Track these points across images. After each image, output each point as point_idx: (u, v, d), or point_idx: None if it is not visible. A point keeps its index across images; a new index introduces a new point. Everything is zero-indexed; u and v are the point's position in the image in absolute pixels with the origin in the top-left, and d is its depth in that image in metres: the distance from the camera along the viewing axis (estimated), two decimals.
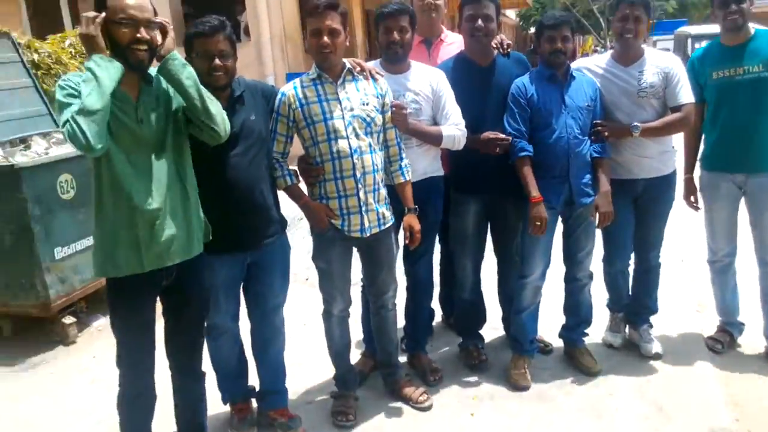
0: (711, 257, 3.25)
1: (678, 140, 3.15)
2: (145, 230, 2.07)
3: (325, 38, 2.46)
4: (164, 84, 2.14)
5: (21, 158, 3.64)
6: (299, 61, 8.37)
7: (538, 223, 2.84)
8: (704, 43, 3.15)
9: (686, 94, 2.94)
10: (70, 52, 5.15)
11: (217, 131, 2.16)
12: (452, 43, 3.28)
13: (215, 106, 2.15)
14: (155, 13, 2.07)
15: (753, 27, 2.98)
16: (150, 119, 2.08)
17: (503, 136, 2.85)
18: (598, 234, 3.10)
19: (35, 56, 4.67)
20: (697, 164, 3.24)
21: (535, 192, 2.83)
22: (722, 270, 3.21)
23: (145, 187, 2.06)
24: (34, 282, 3.43)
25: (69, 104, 1.88)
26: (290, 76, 7.68)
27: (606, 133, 2.92)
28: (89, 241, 3.69)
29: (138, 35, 1.97)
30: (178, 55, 2.08)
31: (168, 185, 2.12)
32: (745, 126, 2.94)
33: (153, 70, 2.13)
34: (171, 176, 2.13)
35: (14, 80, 4.30)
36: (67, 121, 1.85)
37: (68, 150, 3.84)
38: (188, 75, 2.07)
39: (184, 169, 2.21)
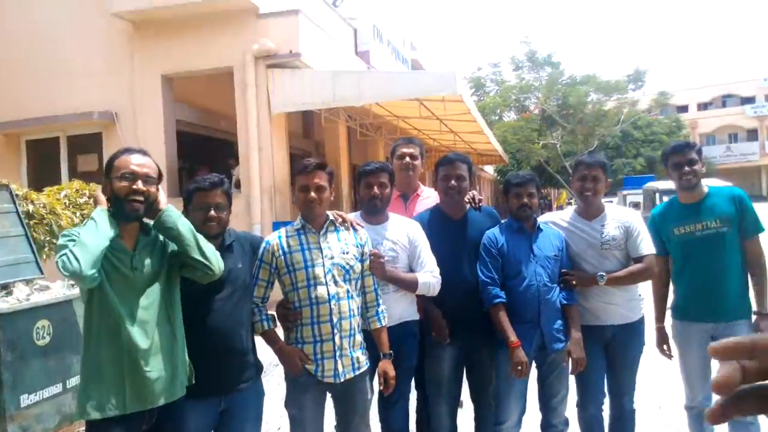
0: (688, 403, 3.24)
1: (644, 288, 3.28)
2: (130, 370, 2.09)
3: (312, 193, 2.67)
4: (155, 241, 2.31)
5: (1, 304, 3.65)
6: (286, 210, 8.72)
7: (519, 367, 2.87)
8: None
9: (647, 246, 3.12)
10: (65, 203, 5.38)
11: (212, 268, 2.29)
12: (428, 197, 3.53)
13: (209, 247, 2.30)
14: (160, 175, 2.27)
15: (706, 185, 3.23)
16: (144, 267, 2.21)
17: (446, 334, 2.98)
18: (572, 379, 3.11)
19: (30, 207, 4.86)
20: (668, 313, 3.34)
21: (513, 337, 2.89)
22: (699, 416, 3.18)
23: (134, 328, 2.12)
24: None
25: (67, 244, 2.03)
26: (276, 225, 7.98)
27: (574, 282, 3.06)
28: (57, 388, 3.62)
29: (134, 187, 2.14)
30: (172, 208, 2.26)
31: (157, 326, 2.19)
32: (711, 278, 3.08)
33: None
34: (160, 318, 2.22)
35: (7, 229, 4.43)
36: (63, 252, 1.99)
37: (49, 296, 3.88)
38: (183, 223, 2.25)
39: (173, 311, 2.29)
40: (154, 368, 2.15)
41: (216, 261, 2.31)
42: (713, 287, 3.08)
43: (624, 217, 3.19)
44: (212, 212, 2.51)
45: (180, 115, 9.53)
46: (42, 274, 4.52)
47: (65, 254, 1.98)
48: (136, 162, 2.19)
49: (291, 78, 8.32)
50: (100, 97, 8.84)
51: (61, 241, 2.09)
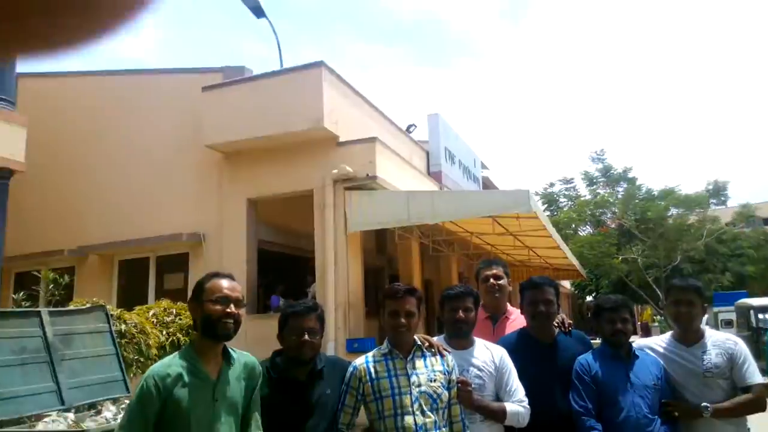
0: None
1: (755, 420, 2.97)
2: None
3: (402, 319, 2.66)
4: (241, 366, 2.32)
5: (90, 423, 3.74)
6: (360, 327, 8.70)
7: None
8: None
9: (754, 374, 2.87)
10: (152, 321, 5.61)
11: None
12: (515, 319, 3.44)
13: None
14: (244, 300, 2.35)
15: None
16: (225, 398, 2.22)
17: None
18: None
19: (123, 326, 5.10)
20: None
21: None
22: None
23: None
24: None
25: None
26: (350, 342, 7.95)
27: (676, 413, 2.81)
28: None
29: (228, 311, 2.22)
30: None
31: None
32: None
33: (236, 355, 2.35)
34: None
35: (100, 348, 4.64)
36: None
37: None
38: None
39: None
40: None
41: None
42: None
43: (727, 343, 2.97)
44: (306, 336, 2.54)
45: (261, 235, 10.00)
46: (129, 392, 4.64)
47: None
48: (227, 286, 2.28)
49: (368, 198, 8.65)
50: (190, 220, 9.48)
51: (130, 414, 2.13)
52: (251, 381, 2.33)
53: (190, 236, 9.32)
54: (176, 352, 2.29)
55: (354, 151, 8.91)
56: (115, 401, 4.38)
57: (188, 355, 2.23)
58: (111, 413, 4.04)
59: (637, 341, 3.12)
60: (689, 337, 3.00)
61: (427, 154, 13.54)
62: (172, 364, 2.19)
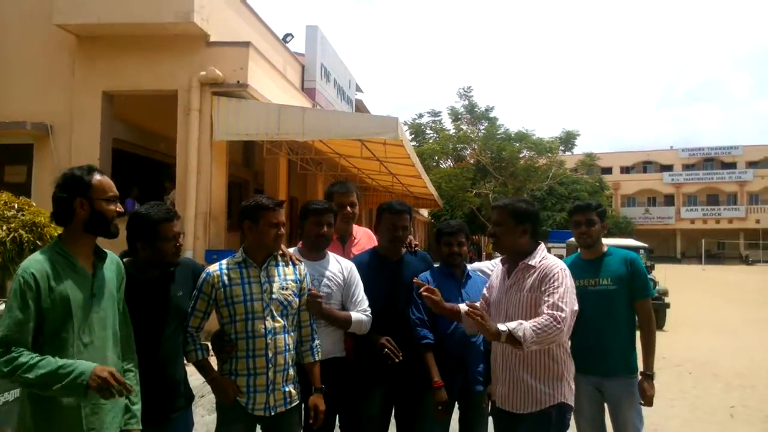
0: None
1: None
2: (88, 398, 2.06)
3: (282, 230, 2.78)
4: (111, 262, 2.30)
5: None
6: (220, 238, 8.63)
7: (440, 408, 3.01)
8: None
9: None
10: None
11: None
12: (359, 240, 3.69)
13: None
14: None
15: (607, 245, 3.48)
16: (103, 293, 2.20)
17: (397, 351, 3.08)
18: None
19: None
20: None
21: (436, 377, 3.03)
22: None
23: (90, 355, 2.10)
24: None
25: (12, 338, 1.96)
26: (209, 253, 7.90)
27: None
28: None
29: (119, 210, 2.25)
30: None
31: (112, 354, 2.20)
32: (597, 333, 3.23)
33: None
34: (114, 344, 2.22)
35: None
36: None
37: None
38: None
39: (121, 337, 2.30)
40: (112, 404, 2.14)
41: None
42: (599, 342, 3.24)
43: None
44: (179, 241, 2.64)
45: (117, 133, 9.35)
46: None
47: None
48: (112, 185, 2.26)
49: (237, 107, 8.38)
50: (36, 108, 8.58)
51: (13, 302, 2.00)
52: (120, 275, 2.33)
53: (36, 126, 8.47)
54: (45, 247, 2.19)
55: (225, 54, 8.50)
56: None
57: (62, 251, 2.15)
58: None
59: (471, 265, 3.50)
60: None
61: (303, 68, 13.25)
62: (45, 259, 2.09)
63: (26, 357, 1.94)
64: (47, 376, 1.93)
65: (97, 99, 8.56)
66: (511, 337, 2.46)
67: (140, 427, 2.29)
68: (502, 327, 2.47)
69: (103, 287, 2.21)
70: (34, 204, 5.77)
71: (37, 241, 4.99)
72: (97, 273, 2.21)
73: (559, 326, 2.50)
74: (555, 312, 2.52)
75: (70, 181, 2.19)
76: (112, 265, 2.31)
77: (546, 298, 2.60)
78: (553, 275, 2.66)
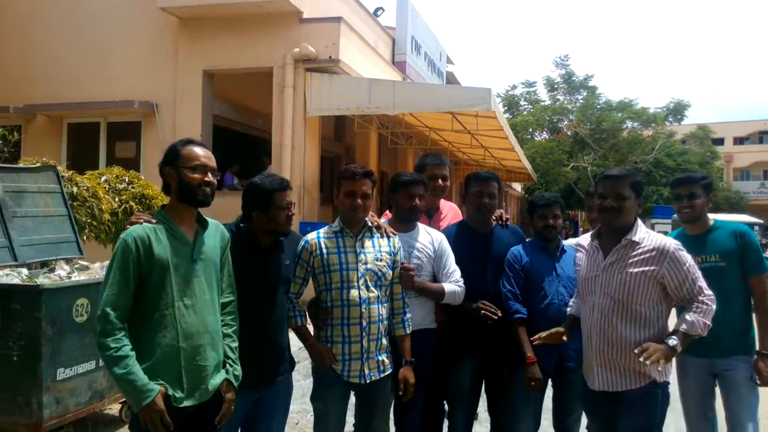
0: None
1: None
2: (188, 357, 2.19)
3: (359, 200, 2.79)
4: (214, 229, 2.40)
5: (44, 279, 3.84)
6: (313, 212, 8.89)
7: (533, 383, 2.95)
8: None
9: None
10: (105, 187, 5.60)
11: None
12: (446, 215, 3.64)
13: None
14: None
15: (713, 218, 3.21)
16: (202, 259, 2.30)
17: (494, 309, 3.04)
18: None
19: (74, 189, 5.08)
20: None
21: (530, 353, 2.97)
22: None
23: (192, 317, 2.22)
24: (31, 401, 3.46)
25: (111, 315, 2.12)
26: (303, 225, 8.15)
27: None
28: (91, 365, 3.78)
29: (207, 179, 2.28)
30: None
31: (213, 316, 2.30)
32: None
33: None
34: (214, 309, 2.32)
35: (51, 208, 4.65)
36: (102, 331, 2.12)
37: (89, 276, 4.07)
38: None
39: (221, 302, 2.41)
40: (210, 357, 2.26)
41: None
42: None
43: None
44: (291, 211, 2.71)
45: (218, 111, 9.78)
46: (82, 254, 4.73)
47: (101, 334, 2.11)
48: (204, 155, 2.31)
49: (328, 82, 8.50)
50: (142, 87, 9.13)
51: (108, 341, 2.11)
52: (223, 243, 2.43)
53: (143, 104, 9.04)
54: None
55: (317, 30, 8.62)
56: (68, 261, 4.46)
57: (164, 218, 2.27)
58: (65, 272, 4.13)
59: (567, 240, 3.37)
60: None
61: (393, 41, 13.19)
62: (147, 226, 2.21)
63: (116, 343, 2.09)
64: (119, 376, 2.08)
65: (198, 78, 8.98)
66: (686, 339, 2.53)
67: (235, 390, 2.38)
68: (671, 342, 2.49)
69: (203, 254, 2.30)
70: (142, 177, 6.20)
71: None
72: (197, 240, 2.30)
73: (714, 307, 2.56)
74: (707, 294, 2.56)
75: (167, 152, 2.31)
76: (216, 233, 2.40)
77: (687, 285, 2.56)
78: (678, 257, 2.56)
